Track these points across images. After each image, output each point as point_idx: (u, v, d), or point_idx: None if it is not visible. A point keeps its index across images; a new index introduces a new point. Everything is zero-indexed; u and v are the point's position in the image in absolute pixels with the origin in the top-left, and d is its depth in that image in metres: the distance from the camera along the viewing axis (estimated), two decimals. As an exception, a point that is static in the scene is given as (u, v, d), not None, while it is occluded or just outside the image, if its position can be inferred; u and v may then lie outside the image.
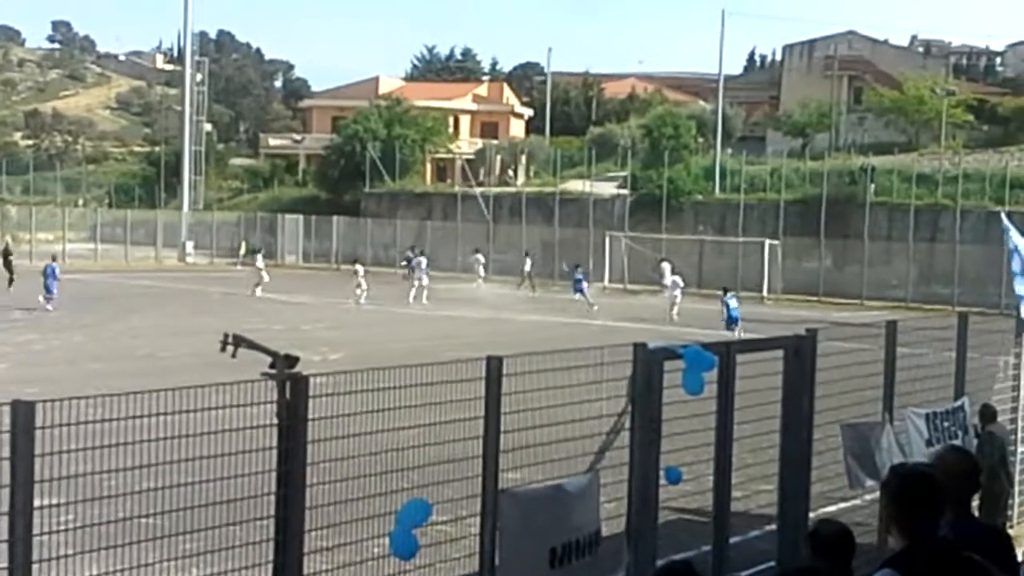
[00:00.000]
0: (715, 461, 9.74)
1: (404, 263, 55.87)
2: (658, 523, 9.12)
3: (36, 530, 6.12)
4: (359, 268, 47.49)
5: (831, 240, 56.88)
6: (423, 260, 49.76)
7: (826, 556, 5.78)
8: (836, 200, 58.16)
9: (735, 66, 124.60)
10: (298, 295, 47.04)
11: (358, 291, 45.67)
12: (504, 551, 7.85)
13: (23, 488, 5.99)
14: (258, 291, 47.30)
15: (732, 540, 10.11)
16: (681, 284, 46.18)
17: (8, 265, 47.55)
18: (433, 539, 8.13)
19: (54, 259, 43.09)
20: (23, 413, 6.00)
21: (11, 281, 46.76)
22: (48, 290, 40.74)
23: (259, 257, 52.68)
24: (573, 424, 8.88)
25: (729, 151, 71.25)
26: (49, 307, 39.87)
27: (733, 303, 39.12)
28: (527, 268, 56.99)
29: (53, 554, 6.55)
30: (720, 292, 41.07)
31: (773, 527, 10.77)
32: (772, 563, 10.57)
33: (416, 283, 47.29)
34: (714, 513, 9.83)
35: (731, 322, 38.07)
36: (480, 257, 59.32)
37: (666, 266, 51.01)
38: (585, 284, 49.99)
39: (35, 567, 6.18)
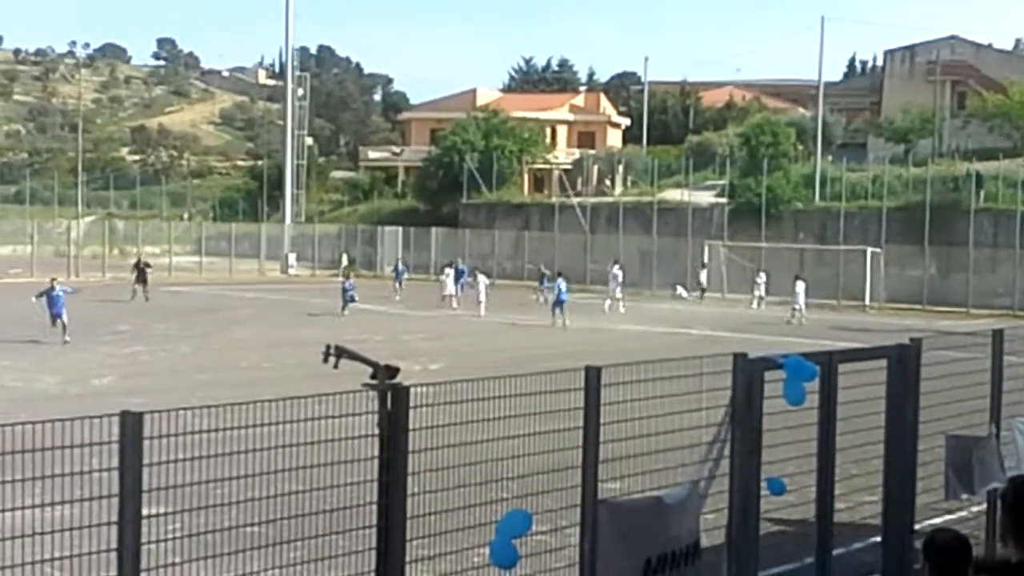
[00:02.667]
0: (817, 472, 9.62)
1: (541, 280, 55.40)
2: (759, 534, 9.03)
3: (144, 539, 6.24)
4: (448, 276, 48.22)
5: (935, 248, 55.90)
6: (483, 277, 49.31)
7: (941, 565, 5.65)
8: (940, 207, 57.15)
9: (835, 72, 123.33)
10: (396, 306, 47.43)
11: (452, 299, 46.46)
12: (601, 562, 7.83)
13: (132, 498, 6.11)
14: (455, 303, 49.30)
15: (835, 552, 9.96)
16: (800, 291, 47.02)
17: (142, 278, 48.93)
18: (533, 549, 8.13)
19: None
20: (131, 424, 6.11)
21: (140, 291, 48.60)
22: (57, 316, 34.20)
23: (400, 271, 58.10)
24: (672, 434, 8.84)
25: (829, 158, 70.39)
26: (67, 337, 33.37)
27: (563, 287, 43.36)
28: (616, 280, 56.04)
29: (160, 562, 6.67)
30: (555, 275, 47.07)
31: (877, 539, 10.60)
32: (877, 575, 10.41)
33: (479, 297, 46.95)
34: (817, 524, 9.70)
35: (558, 305, 42.50)
36: (618, 272, 56.67)
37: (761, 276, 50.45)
38: (561, 289, 44.02)
39: (143, 575, 6.29)
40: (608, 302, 49.70)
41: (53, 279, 44.77)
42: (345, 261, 70.25)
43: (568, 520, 8.36)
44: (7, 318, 36.32)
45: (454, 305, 48.59)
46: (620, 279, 51.58)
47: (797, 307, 46.71)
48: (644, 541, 7.97)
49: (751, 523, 8.82)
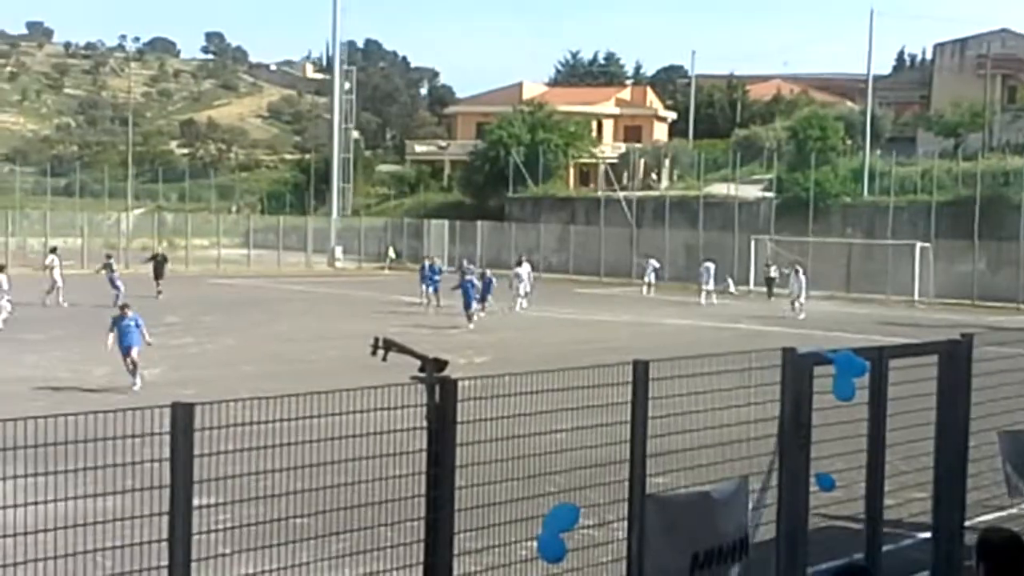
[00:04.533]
0: (867, 468, 9.55)
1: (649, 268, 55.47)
2: (808, 530, 8.99)
3: (194, 529, 6.28)
4: (520, 271, 47.16)
5: (984, 242, 55.33)
6: (525, 267, 48.89)
7: (995, 564, 5.58)
8: (990, 201, 56.57)
9: (884, 66, 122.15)
10: (444, 299, 47.43)
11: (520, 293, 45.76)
12: (648, 556, 7.82)
13: (183, 488, 6.15)
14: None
15: (885, 548, 9.90)
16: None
17: (159, 273, 47.72)
18: (580, 543, 8.13)
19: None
20: (182, 415, 6.16)
21: (158, 287, 46.90)
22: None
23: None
24: (720, 429, 8.81)
25: (878, 152, 69.86)
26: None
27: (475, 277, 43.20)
28: (651, 272, 56.22)
29: (210, 553, 6.71)
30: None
31: (927, 535, 10.53)
32: (926, 572, 10.34)
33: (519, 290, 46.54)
34: (866, 521, 9.64)
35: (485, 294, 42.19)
36: (655, 263, 57.50)
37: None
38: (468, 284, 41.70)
39: (193, 565, 6.34)
40: (704, 295, 50.03)
41: (109, 256, 45.66)
42: (392, 254, 70.51)
43: (615, 515, 8.34)
44: (59, 310, 36.69)
45: (428, 310, 43.31)
46: (712, 273, 52.34)
47: (799, 298, 46.06)
48: (692, 536, 7.95)
49: (800, 518, 8.78)
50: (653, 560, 7.84)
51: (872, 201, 62.40)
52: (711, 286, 51.61)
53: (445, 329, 36.46)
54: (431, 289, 45.28)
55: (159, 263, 47.94)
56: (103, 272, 44.53)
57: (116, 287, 42.22)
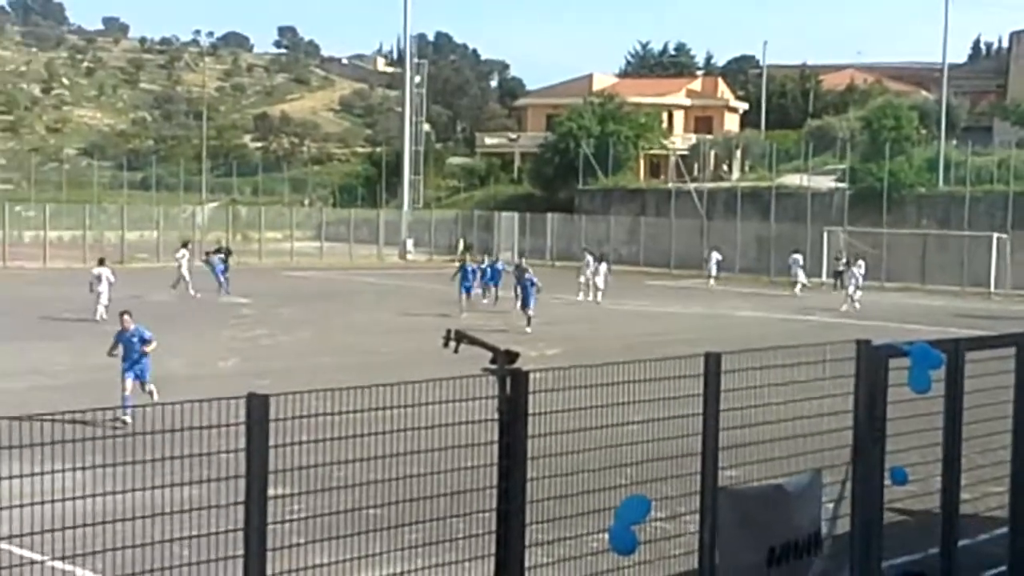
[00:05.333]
0: (943, 461, 9.44)
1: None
2: (883, 524, 8.91)
3: (269, 519, 6.35)
4: (592, 263, 46.76)
5: (1063, 233, 54.44)
6: (595, 258, 48.46)
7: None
8: (1069, 191, 55.65)
9: (959, 54, 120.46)
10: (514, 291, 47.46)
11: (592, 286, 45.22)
12: (721, 549, 7.79)
13: (258, 478, 6.22)
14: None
15: (961, 543, 9.78)
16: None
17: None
18: (651, 535, 8.11)
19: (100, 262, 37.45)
20: (257, 406, 6.22)
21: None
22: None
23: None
24: (793, 422, 8.75)
25: (953, 142, 68.91)
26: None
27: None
28: (713, 264, 55.80)
29: (284, 543, 6.78)
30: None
31: (1004, 530, 10.39)
32: (1003, 568, 10.20)
33: (588, 281, 46.21)
34: (942, 515, 9.53)
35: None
36: (717, 255, 57.01)
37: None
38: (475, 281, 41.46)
39: (268, 555, 6.41)
40: (799, 287, 49.70)
41: (220, 248, 46.44)
42: (462, 246, 70.71)
43: (687, 507, 8.33)
44: (131, 302, 37.13)
45: (463, 314, 38.09)
46: (801, 264, 51.54)
47: (851, 291, 45.22)
48: (766, 529, 7.92)
49: (875, 512, 8.70)
50: (728, 554, 7.81)
51: (947, 191, 61.57)
52: (802, 277, 51.08)
53: (516, 322, 36.48)
54: (482, 288, 42.61)
55: (224, 257, 47.93)
56: (207, 259, 45.45)
57: (219, 277, 44.17)
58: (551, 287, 46.58)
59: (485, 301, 41.63)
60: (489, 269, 43.61)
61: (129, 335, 20.35)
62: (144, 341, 20.30)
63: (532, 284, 36.87)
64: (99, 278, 35.37)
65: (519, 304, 36.98)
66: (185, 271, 43.92)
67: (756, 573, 7.90)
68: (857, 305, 43.76)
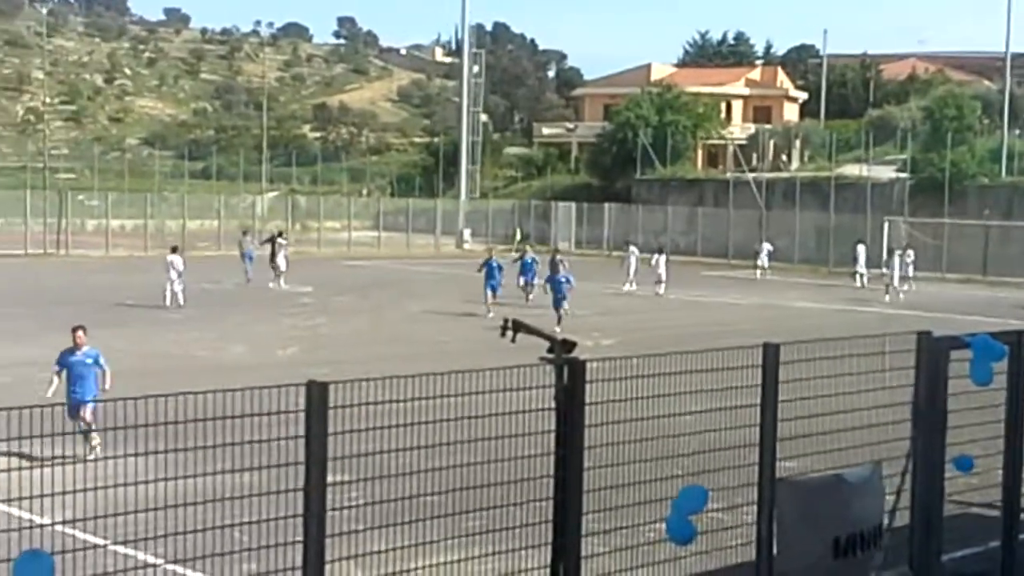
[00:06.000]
0: (1004, 454, 9.35)
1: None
2: (944, 517, 8.83)
3: (328, 506, 6.41)
4: (634, 254, 46.52)
5: None
6: (638, 249, 48.11)
7: None
8: None
9: (1023, 43, 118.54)
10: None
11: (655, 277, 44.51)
12: (783, 540, 7.76)
13: (317, 465, 6.28)
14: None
15: (1023, 536, 9.68)
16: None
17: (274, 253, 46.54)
18: (709, 526, 8.10)
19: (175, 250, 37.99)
20: (317, 393, 6.28)
21: (275, 269, 45.28)
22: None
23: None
24: (852, 414, 8.69)
25: (1016, 132, 67.94)
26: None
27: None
28: (765, 255, 55.25)
29: (343, 529, 6.84)
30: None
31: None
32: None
33: (631, 271, 45.62)
34: (1003, 508, 9.43)
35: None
36: (768, 246, 56.48)
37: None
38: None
39: (327, 541, 6.46)
40: (858, 277, 49.16)
41: (280, 233, 46.77)
42: (519, 236, 70.74)
43: (744, 498, 8.30)
44: (194, 291, 37.55)
45: (489, 313, 34.47)
46: (864, 255, 50.71)
47: (894, 282, 44.69)
48: (830, 520, 7.86)
49: (935, 505, 8.63)
50: (789, 545, 7.77)
51: (1010, 182, 60.76)
52: (864, 268, 50.56)
53: (573, 310, 36.46)
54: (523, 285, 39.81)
55: (276, 245, 47.84)
56: (269, 245, 45.64)
57: (278, 266, 44.20)
58: (608, 277, 46.62)
59: (532, 297, 38.90)
60: (521, 263, 40.21)
61: (80, 358, 16.37)
62: (98, 363, 16.41)
63: (567, 281, 34.73)
64: (171, 265, 35.91)
65: (551, 303, 33.84)
66: (281, 261, 44.07)
67: (821, 564, 7.85)
68: (900, 295, 43.34)
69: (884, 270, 46.08)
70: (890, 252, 47.36)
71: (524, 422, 7.24)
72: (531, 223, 73.76)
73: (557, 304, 33.55)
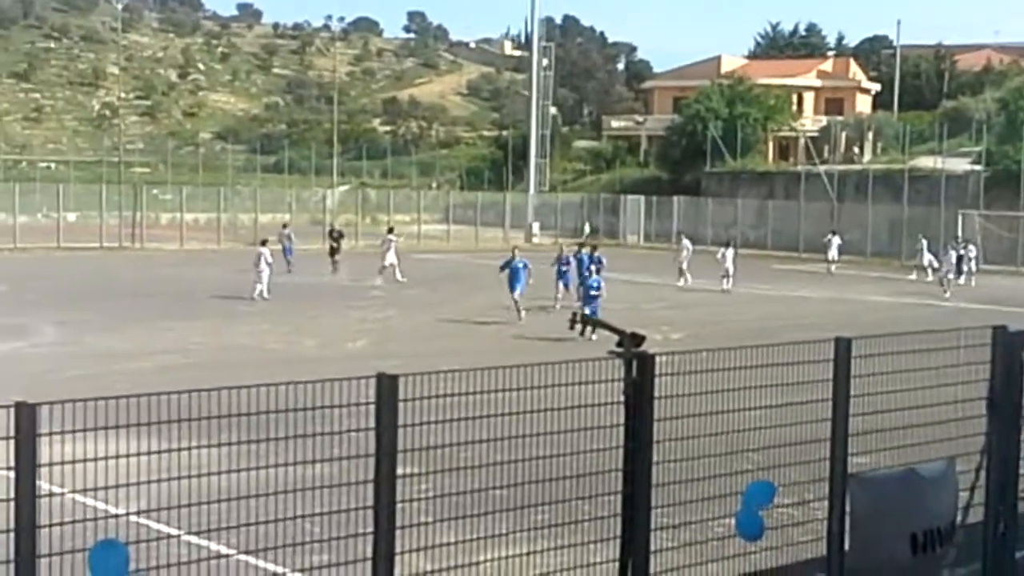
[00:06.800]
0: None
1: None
2: (1019, 513, 8.71)
3: (398, 498, 6.45)
4: (688, 248, 46.01)
5: None
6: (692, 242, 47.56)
7: None
8: None
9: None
10: (639, 274, 47.39)
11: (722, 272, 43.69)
12: (855, 536, 7.69)
13: (387, 457, 6.32)
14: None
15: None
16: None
17: (334, 249, 47.45)
18: (778, 522, 8.06)
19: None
20: (387, 385, 6.32)
21: (335, 264, 46.46)
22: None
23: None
24: (924, 409, 8.59)
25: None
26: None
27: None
28: (834, 249, 54.37)
29: (412, 522, 6.88)
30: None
31: None
32: None
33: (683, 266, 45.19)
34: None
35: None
36: (837, 239, 55.62)
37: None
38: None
39: (396, 533, 6.51)
40: (953, 274, 48.41)
41: (335, 229, 47.06)
42: (588, 229, 70.70)
43: (814, 493, 8.24)
44: (283, 280, 37.90)
45: (556, 306, 33.98)
46: (926, 248, 50.18)
47: (948, 275, 44.13)
48: (906, 516, 7.79)
49: (1010, 502, 8.53)
50: (863, 541, 7.71)
51: (1089, 174, 59.71)
52: (925, 262, 50.03)
53: (641, 304, 36.37)
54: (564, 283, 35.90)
55: (335, 239, 48.08)
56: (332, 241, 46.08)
57: (287, 256, 44.97)
58: (675, 271, 46.33)
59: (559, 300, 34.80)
60: (558, 265, 35.98)
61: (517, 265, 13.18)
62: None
63: (598, 287, 30.71)
64: (260, 258, 36.31)
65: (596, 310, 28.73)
66: (392, 256, 44.05)
67: (898, 560, 7.78)
68: (953, 288, 42.73)
69: (941, 264, 45.56)
70: (946, 246, 46.75)
71: (593, 416, 7.24)
72: (600, 217, 73.67)
73: (586, 305, 29.12)
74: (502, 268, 33.70)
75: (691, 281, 44.00)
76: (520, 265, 32.89)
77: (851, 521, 7.68)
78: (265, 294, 35.68)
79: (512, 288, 32.42)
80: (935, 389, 8.47)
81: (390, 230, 47.15)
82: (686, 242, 46.35)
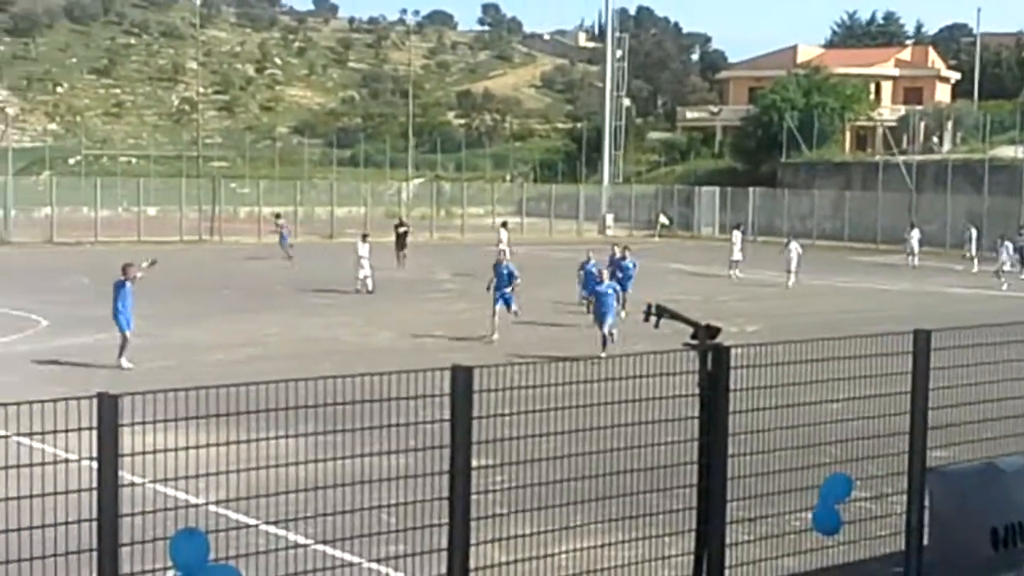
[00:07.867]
0: None
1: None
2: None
3: (473, 489, 6.47)
4: (739, 241, 45.17)
5: None
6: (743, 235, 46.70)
7: None
8: None
9: None
10: (714, 266, 47.08)
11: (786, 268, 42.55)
12: (934, 531, 7.60)
13: (462, 448, 6.35)
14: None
15: None
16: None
17: (401, 241, 47.17)
18: (855, 516, 7.98)
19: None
20: (462, 378, 6.35)
21: (401, 257, 46.23)
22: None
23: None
24: (1004, 402, 8.47)
25: None
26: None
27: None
28: (972, 243, 52.96)
29: (487, 512, 6.90)
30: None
31: None
32: None
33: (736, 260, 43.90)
34: None
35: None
36: (917, 232, 54.50)
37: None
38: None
39: (471, 524, 6.53)
40: (1009, 266, 47.27)
41: (402, 224, 47.48)
42: (663, 221, 70.35)
43: (892, 488, 8.15)
44: (342, 276, 38.16)
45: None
46: (975, 239, 49.52)
47: (1004, 267, 43.52)
48: (986, 510, 7.68)
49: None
50: (943, 535, 7.62)
51: None
52: (972, 252, 49.21)
53: (715, 296, 36.16)
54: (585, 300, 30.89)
55: (402, 233, 48.09)
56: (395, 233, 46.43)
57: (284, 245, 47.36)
58: (751, 263, 45.98)
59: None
60: (584, 272, 31.70)
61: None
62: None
63: (614, 291, 26.37)
64: (359, 252, 36.87)
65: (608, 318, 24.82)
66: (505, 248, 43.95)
67: (978, 555, 7.68)
68: (1004, 286, 41.88)
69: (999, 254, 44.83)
70: (1000, 238, 45.90)
71: (668, 408, 7.21)
72: (674, 208, 73.27)
73: (600, 320, 24.86)
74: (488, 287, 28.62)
75: (740, 274, 43.43)
76: (505, 271, 28.23)
77: (930, 516, 7.60)
78: (369, 286, 36.12)
79: (600, 321, 24.90)
80: (1016, 382, 8.35)
81: (503, 224, 48.40)
82: (737, 235, 45.47)
